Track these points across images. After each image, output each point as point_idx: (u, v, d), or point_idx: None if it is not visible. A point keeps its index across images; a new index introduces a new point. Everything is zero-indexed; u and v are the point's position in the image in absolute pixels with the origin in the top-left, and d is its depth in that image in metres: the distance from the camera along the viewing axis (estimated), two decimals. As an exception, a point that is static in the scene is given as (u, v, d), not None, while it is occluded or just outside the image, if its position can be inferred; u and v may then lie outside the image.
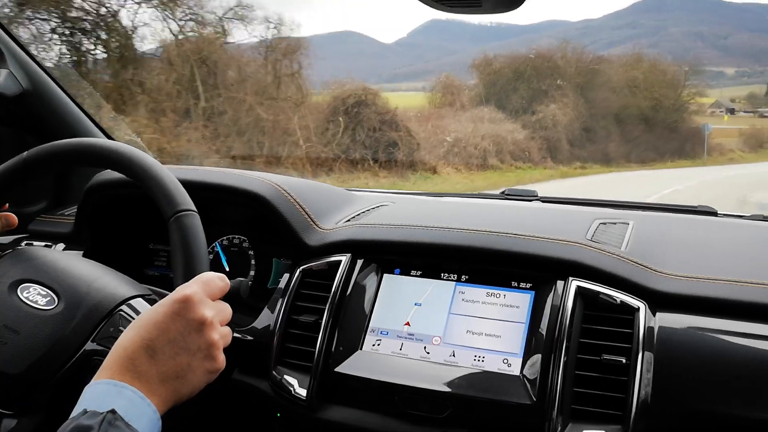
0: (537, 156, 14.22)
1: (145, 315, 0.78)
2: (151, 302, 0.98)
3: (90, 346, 0.90)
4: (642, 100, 16.91)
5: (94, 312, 0.92)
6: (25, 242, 1.41)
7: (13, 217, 1.08)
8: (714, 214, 1.42)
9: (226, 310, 0.86)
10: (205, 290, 0.82)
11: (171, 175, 0.97)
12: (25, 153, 1.02)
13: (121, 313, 0.94)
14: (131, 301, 0.96)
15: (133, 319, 0.88)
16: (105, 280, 0.98)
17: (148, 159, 0.98)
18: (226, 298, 0.87)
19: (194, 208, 0.95)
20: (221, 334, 0.82)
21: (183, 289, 0.80)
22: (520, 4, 0.94)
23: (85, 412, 0.68)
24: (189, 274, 0.88)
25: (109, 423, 0.66)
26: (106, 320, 0.92)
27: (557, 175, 13.77)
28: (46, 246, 1.38)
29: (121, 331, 0.79)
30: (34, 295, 0.93)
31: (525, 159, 13.87)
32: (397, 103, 13.10)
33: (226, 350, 0.84)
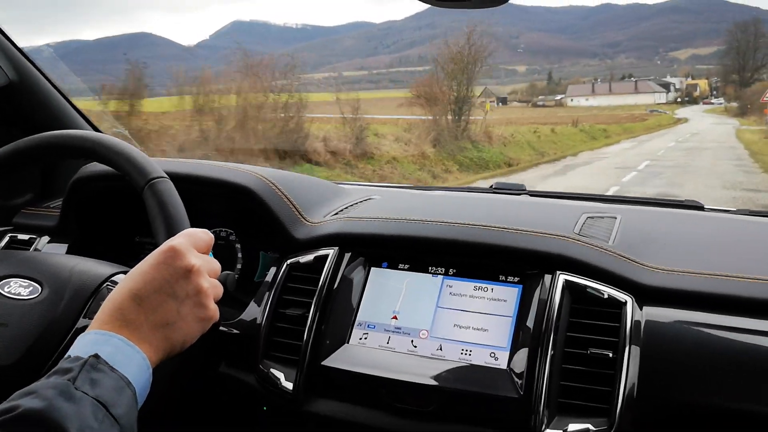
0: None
1: (133, 269, 0.79)
2: None
3: (82, 322, 0.91)
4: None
5: (81, 291, 0.93)
6: (9, 235, 1.40)
7: None
8: (701, 208, 1.43)
9: (214, 263, 0.85)
10: (191, 241, 0.82)
11: (137, 149, 0.97)
12: None
13: (108, 287, 0.94)
14: (114, 278, 0.97)
15: None
16: (86, 264, 0.99)
17: (112, 138, 0.99)
18: None
19: (165, 175, 0.95)
20: (211, 284, 0.82)
21: (169, 242, 0.80)
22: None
23: (68, 357, 0.68)
24: (172, 234, 0.88)
25: (92, 366, 0.66)
26: (94, 296, 0.93)
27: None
28: (30, 239, 1.37)
29: None
30: (16, 288, 0.93)
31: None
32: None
33: (215, 347, 0.83)
